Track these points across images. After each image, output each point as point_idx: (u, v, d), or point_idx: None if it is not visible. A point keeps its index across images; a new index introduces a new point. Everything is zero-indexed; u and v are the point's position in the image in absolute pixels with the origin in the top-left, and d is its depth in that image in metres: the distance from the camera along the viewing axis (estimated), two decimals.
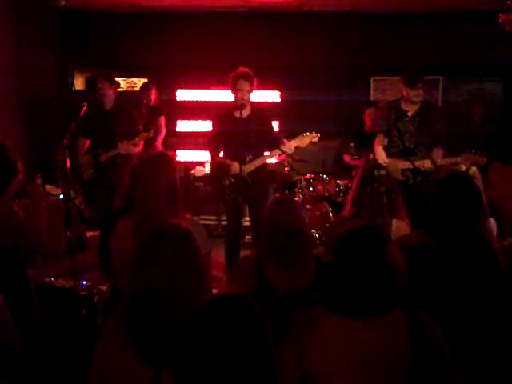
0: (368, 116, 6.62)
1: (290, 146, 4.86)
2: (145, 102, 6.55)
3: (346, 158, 6.59)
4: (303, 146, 4.94)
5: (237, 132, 4.81)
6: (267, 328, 1.44)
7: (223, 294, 1.50)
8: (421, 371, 1.77)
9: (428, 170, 4.66)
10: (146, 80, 7.37)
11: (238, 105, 4.83)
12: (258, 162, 4.88)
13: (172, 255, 1.82)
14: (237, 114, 4.85)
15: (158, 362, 1.73)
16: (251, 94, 4.91)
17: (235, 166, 4.86)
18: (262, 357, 1.40)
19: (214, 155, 5.12)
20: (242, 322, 1.41)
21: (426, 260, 2.29)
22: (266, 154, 4.97)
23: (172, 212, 2.72)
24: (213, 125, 5.16)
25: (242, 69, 4.90)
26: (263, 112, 5.06)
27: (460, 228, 2.35)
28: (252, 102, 5.02)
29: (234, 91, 4.87)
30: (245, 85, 4.81)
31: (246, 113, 4.90)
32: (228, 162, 4.93)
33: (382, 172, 3.35)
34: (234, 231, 5.07)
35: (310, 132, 4.92)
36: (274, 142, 4.96)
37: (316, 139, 4.93)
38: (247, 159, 4.86)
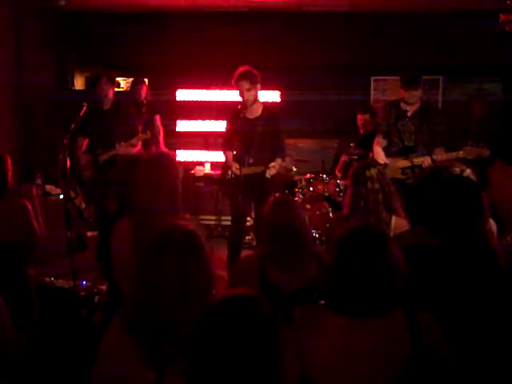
0: (360, 121, 6.64)
1: (288, 165, 5.01)
2: (136, 98, 6.51)
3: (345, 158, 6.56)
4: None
5: (242, 132, 4.83)
6: (279, 327, 1.43)
7: (234, 294, 1.47)
8: (421, 370, 1.77)
9: (428, 166, 4.68)
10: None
11: (243, 105, 4.83)
12: (253, 170, 4.83)
13: (180, 256, 1.80)
14: (244, 115, 4.86)
15: (162, 364, 1.72)
16: (258, 91, 4.83)
17: (235, 166, 4.88)
18: (274, 356, 1.39)
19: (227, 155, 5.10)
20: (254, 321, 1.39)
21: (426, 259, 2.29)
22: (267, 169, 4.84)
23: (172, 212, 2.71)
24: (226, 125, 5.18)
25: (241, 68, 4.84)
26: (273, 114, 4.98)
27: (461, 228, 2.34)
28: (264, 103, 4.99)
29: (240, 93, 4.84)
30: (244, 84, 4.77)
31: (254, 114, 4.87)
32: (231, 163, 4.95)
33: (373, 171, 3.36)
34: (236, 231, 5.07)
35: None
36: (278, 150, 4.90)
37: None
38: (247, 162, 4.82)
